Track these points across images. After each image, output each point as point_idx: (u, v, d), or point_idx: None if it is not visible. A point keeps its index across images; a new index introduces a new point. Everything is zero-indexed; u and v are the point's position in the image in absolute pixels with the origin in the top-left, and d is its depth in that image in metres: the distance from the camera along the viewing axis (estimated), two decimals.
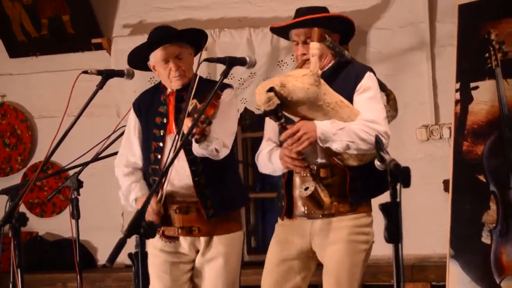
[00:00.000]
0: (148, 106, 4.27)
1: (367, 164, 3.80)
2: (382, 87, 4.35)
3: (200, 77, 4.09)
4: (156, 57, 4.16)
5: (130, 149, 4.30)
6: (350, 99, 3.84)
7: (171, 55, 4.13)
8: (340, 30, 4.04)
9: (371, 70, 3.98)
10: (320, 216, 3.84)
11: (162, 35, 4.19)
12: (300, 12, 4.02)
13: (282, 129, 3.71)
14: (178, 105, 4.13)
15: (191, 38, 4.22)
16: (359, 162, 3.78)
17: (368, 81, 3.88)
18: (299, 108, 3.66)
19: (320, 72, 3.69)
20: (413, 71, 6.20)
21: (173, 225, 4.15)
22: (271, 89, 3.57)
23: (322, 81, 3.71)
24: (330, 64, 4.00)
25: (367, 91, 3.86)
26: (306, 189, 3.69)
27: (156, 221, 4.05)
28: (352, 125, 3.70)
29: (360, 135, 3.68)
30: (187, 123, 3.80)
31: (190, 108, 3.84)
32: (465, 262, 5.11)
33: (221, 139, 4.00)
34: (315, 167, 3.81)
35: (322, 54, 3.88)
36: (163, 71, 4.17)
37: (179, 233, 4.16)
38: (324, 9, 4.07)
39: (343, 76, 3.92)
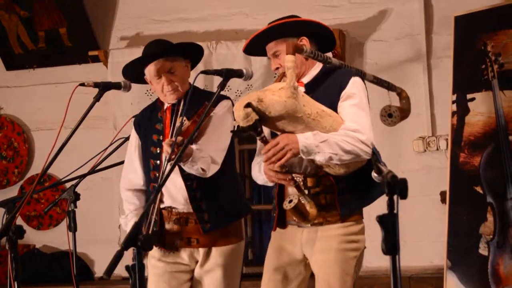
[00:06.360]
0: (146, 123, 4.26)
1: (355, 174, 3.79)
2: (391, 87, 4.32)
3: (196, 89, 4.08)
4: (149, 72, 4.16)
5: (132, 170, 4.29)
6: (335, 106, 3.79)
7: (162, 70, 4.12)
8: (314, 35, 3.96)
9: (358, 75, 3.91)
10: (309, 225, 3.84)
11: (152, 51, 4.18)
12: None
13: (264, 143, 3.70)
14: (173, 120, 4.13)
15: (185, 52, 4.22)
16: (346, 169, 3.76)
17: (352, 88, 3.81)
18: (279, 122, 3.64)
19: (297, 84, 3.66)
20: (410, 83, 6.20)
21: (172, 237, 4.15)
22: (248, 105, 3.56)
23: (301, 92, 3.68)
24: (316, 71, 3.97)
25: (350, 98, 3.79)
26: (290, 201, 3.68)
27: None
28: (335, 136, 3.66)
29: (343, 146, 3.65)
30: (165, 147, 3.83)
31: (178, 125, 3.85)
32: (463, 273, 5.11)
33: (210, 156, 4.00)
34: (302, 178, 3.81)
35: (299, 64, 3.86)
36: (156, 86, 4.16)
37: (178, 244, 4.16)
38: (292, 17, 3.99)
39: (328, 83, 3.87)
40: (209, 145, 4.01)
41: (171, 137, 4.02)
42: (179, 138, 3.77)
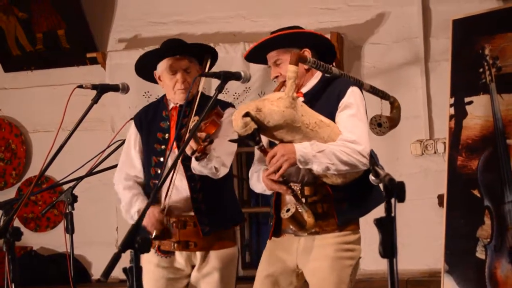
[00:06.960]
0: (150, 121, 4.27)
1: (353, 184, 3.80)
2: (385, 96, 4.33)
3: (204, 94, 4.11)
4: (164, 67, 4.17)
5: (130, 164, 4.28)
6: (333, 115, 3.82)
7: (180, 67, 4.15)
8: (315, 47, 3.98)
9: (356, 85, 3.93)
10: (306, 234, 3.84)
11: (175, 46, 4.21)
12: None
13: (262, 152, 3.72)
14: (180, 120, 4.12)
15: (201, 56, 4.23)
16: (343, 179, 3.77)
17: (350, 98, 3.83)
18: (277, 132, 3.66)
19: (295, 94, 3.67)
20: (408, 86, 6.21)
21: (170, 239, 4.14)
22: (246, 114, 3.57)
23: (299, 102, 3.70)
24: (315, 81, 3.97)
25: (348, 108, 3.82)
26: (288, 210, 3.69)
27: (158, 231, 4.04)
28: (332, 146, 3.68)
29: (340, 157, 3.66)
30: (190, 142, 3.81)
31: (191, 125, 3.84)
32: (460, 277, 5.11)
33: (221, 158, 4.01)
34: (299, 187, 3.81)
35: (299, 75, 3.85)
36: (168, 82, 4.17)
37: (175, 248, 4.15)
38: (295, 28, 4.01)
39: (327, 93, 3.90)
40: (219, 148, 4.02)
41: (178, 135, 4.02)
42: (203, 134, 3.79)
